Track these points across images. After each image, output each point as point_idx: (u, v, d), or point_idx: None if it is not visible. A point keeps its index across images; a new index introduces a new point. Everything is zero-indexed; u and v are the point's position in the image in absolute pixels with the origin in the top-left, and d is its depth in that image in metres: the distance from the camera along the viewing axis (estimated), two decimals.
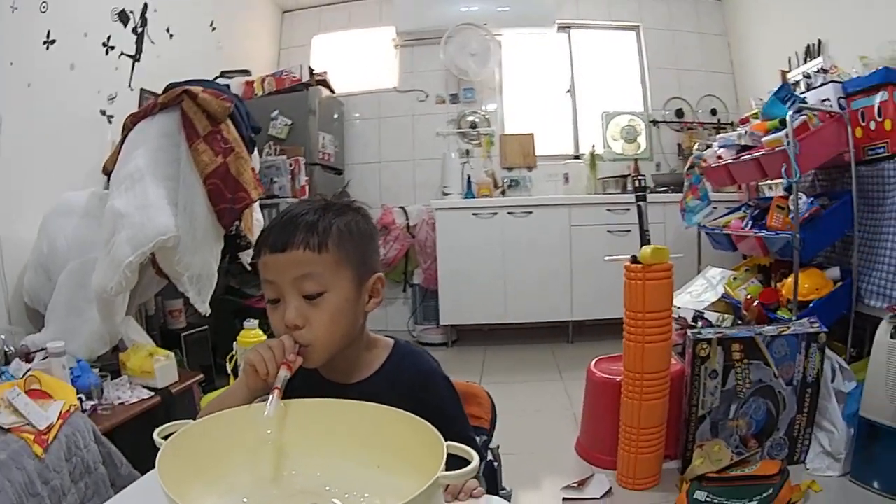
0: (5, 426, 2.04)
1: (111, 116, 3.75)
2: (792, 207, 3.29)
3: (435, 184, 6.08)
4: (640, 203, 3.38)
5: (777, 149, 3.39)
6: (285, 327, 1.21)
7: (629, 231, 5.13)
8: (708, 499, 2.46)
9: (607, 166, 6.11)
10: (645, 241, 3.02)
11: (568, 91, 6.46)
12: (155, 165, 2.98)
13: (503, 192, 6.09)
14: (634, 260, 2.72)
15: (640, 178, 3.74)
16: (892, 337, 2.67)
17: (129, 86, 3.86)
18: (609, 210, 5.39)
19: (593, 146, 6.17)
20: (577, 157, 6.25)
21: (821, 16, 4.81)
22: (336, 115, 5.84)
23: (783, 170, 3.23)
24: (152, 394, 2.83)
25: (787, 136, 3.25)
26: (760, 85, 5.09)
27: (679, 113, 6.31)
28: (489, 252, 5.42)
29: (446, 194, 5.85)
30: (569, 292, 5.33)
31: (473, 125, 6.31)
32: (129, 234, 2.76)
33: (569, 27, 6.47)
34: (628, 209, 5.26)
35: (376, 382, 1.33)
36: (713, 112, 6.31)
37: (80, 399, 2.43)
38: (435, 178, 6.12)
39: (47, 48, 3.32)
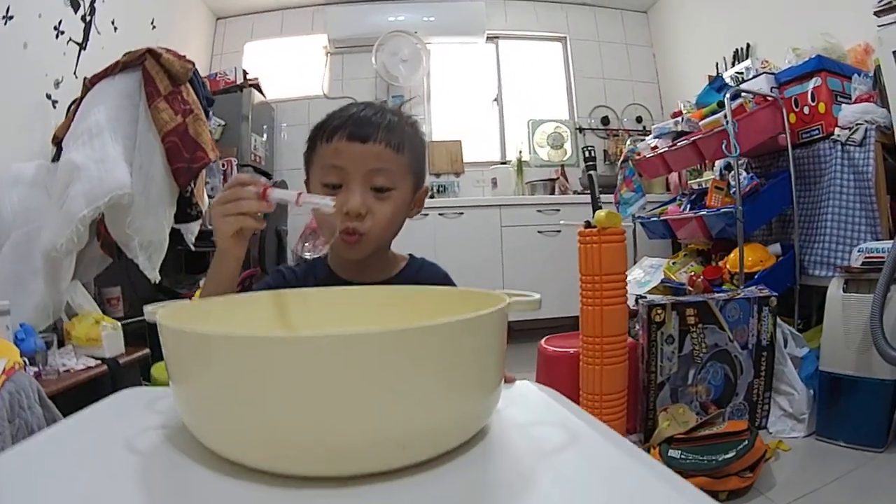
0: None
1: (55, 102, 3.65)
2: (733, 183, 3.41)
3: None
4: (591, 172, 3.41)
5: (716, 130, 3.49)
6: (344, 214, 1.21)
7: (559, 231, 5.18)
8: (682, 456, 2.45)
9: (534, 172, 6.16)
10: (597, 208, 3.03)
11: (495, 99, 6.51)
12: (115, 122, 2.94)
13: (431, 198, 6.00)
14: (588, 225, 2.71)
15: (588, 148, 3.75)
16: (844, 291, 2.79)
17: (75, 73, 3.75)
18: (539, 211, 5.39)
19: (520, 152, 6.21)
20: (504, 164, 6.29)
21: (749, 21, 4.97)
22: (267, 120, 5.79)
23: (724, 147, 3.33)
24: (99, 362, 2.74)
25: (725, 116, 3.37)
26: (687, 91, 5.19)
27: (605, 120, 6.41)
28: (422, 253, 5.24)
29: None
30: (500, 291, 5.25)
31: None
32: (85, 187, 2.70)
33: (497, 37, 6.53)
34: (558, 210, 5.34)
35: (399, 282, 1.39)
36: (638, 119, 6.43)
37: (24, 362, 2.30)
38: None
39: (5, 23, 3.24)
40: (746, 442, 2.38)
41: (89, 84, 3.14)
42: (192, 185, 3.27)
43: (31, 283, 2.79)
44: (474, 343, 0.69)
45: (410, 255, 1.52)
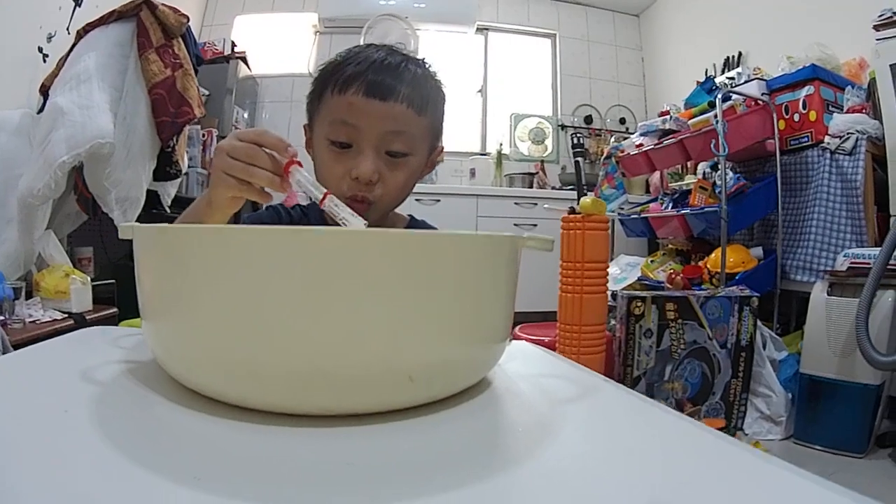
0: None
1: (46, 55, 3.57)
2: (719, 182, 3.38)
3: None
4: (578, 159, 3.38)
5: (704, 129, 3.48)
6: (352, 179, 1.09)
7: (535, 226, 5.15)
8: None
9: (513, 166, 6.12)
10: (582, 194, 2.98)
11: (479, 91, 6.48)
12: (104, 70, 2.88)
13: None
14: (573, 211, 2.67)
15: (577, 134, 3.72)
16: (828, 294, 2.78)
17: (67, 29, 3.68)
18: (517, 204, 5.34)
19: (500, 145, 6.18)
20: (483, 155, 6.26)
21: (742, 31, 4.98)
22: (251, 95, 5.74)
23: (712, 146, 3.30)
24: (66, 316, 2.66)
25: (715, 116, 3.36)
26: (673, 96, 5.19)
27: (588, 119, 6.39)
28: None
29: None
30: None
31: None
32: (68, 132, 2.64)
33: (487, 29, 6.49)
34: (535, 204, 5.29)
35: None
36: (622, 121, 6.42)
37: None
38: None
39: None
40: None
41: (82, 32, 3.07)
42: (175, 140, 3.22)
43: (4, 232, 2.73)
44: (488, 267, 0.63)
45: (411, 215, 1.41)
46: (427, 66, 1.22)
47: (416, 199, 5.20)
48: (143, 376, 0.68)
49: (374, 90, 1.08)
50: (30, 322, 2.51)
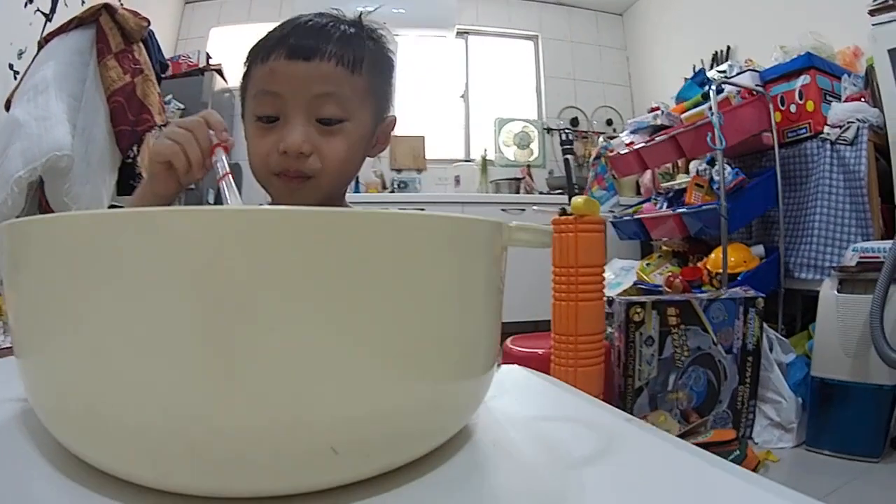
0: None
1: (17, 72, 3.51)
2: (717, 178, 3.28)
3: None
4: (567, 157, 3.27)
5: (699, 123, 3.38)
6: (281, 154, 0.96)
7: None
8: None
9: (499, 171, 6.06)
10: (573, 195, 2.85)
11: (462, 96, 6.40)
12: (62, 79, 2.78)
13: (392, 192, 5.93)
14: (564, 212, 2.52)
15: (566, 131, 3.60)
16: (839, 291, 2.65)
17: (39, 42, 3.61)
18: (504, 210, 5.20)
19: (485, 150, 6.11)
20: (468, 161, 6.19)
21: (729, 25, 4.93)
22: (228, 108, 5.58)
23: (708, 139, 3.20)
24: None
25: (710, 108, 3.25)
26: (660, 95, 5.14)
27: (574, 122, 6.30)
28: None
29: None
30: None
31: None
32: (24, 145, 2.54)
33: (467, 33, 6.42)
34: (523, 210, 5.15)
35: None
36: (609, 122, 6.34)
37: None
38: None
39: None
40: (738, 452, 2.25)
41: (43, 42, 3.00)
42: (136, 150, 3.11)
43: None
44: (456, 267, 0.44)
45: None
46: (366, 25, 1.11)
47: (401, 209, 5.10)
48: (33, 421, 0.52)
49: (297, 50, 0.97)
50: None
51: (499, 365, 0.77)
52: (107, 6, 2.90)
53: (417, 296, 0.40)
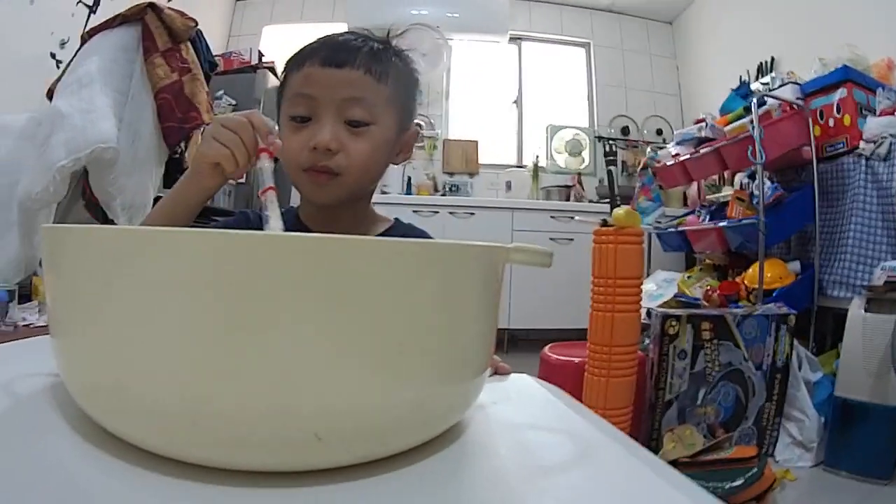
0: None
1: (60, 62, 3.62)
2: (757, 192, 3.29)
3: None
4: (611, 168, 3.31)
5: (741, 136, 3.40)
6: (311, 150, 1.05)
7: (572, 240, 5.06)
8: None
9: (550, 178, 6.07)
10: (615, 206, 2.90)
11: (515, 102, 6.42)
12: (107, 74, 2.84)
13: (443, 196, 5.96)
14: (605, 223, 2.57)
15: (610, 142, 3.64)
16: (865, 311, 2.64)
17: (81, 35, 3.70)
18: (553, 217, 5.25)
19: (537, 157, 6.13)
20: (520, 167, 6.21)
21: (773, 35, 4.90)
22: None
23: (749, 153, 3.21)
24: None
25: (751, 121, 3.27)
26: (709, 105, 5.10)
27: (625, 131, 6.30)
28: None
29: (385, 193, 5.62)
30: (507, 299, 5.05)
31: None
32: (68, 136, 2.60)
33: (520, 38, 6.45)
34: (572, 217, 5.15)
35: None
36: (659, 132, 6.32)
37: None
38: None
39: None
40: (755, 470, 2.24)
41: (86, 36, 3.06)
42: (183, 146, 3.19)
43: (6, 236, 2.72)
44: (445, 285, 0.51)
45: (396, 218, 1.34)
46: (393, 44, 1.20)
47: (450, 213, 5.19)
48: (59, 393, 0.61)
49: (330, 59, 1.08)
50: (23, 325, 2.46)
51: (490, 374, 0.83)
52: (152, 5, 2.96)
53: (400, 311, 0.47)
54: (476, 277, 0.55)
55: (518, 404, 0.77)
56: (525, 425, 0.68)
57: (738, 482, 2.19)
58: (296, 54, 1.14)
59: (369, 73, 1.09)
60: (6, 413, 0.56)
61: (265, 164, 0.91)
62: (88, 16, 3.87)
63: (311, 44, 1.14)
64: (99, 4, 3.95)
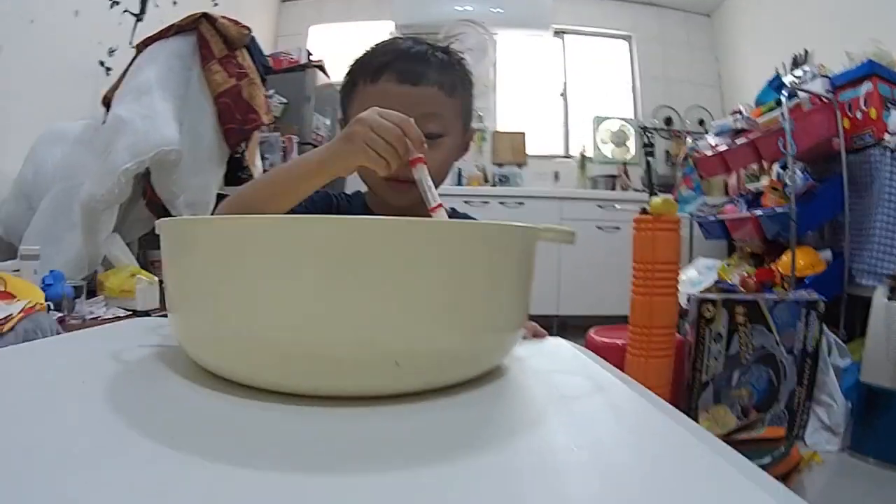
0: None
1: (109, 69, 3.73)
2: (789, 182, 3.36)
3: None
4: (648, 158, 3.40)
5: (773, 128, 3.50)
6: None
7: (618, 228, 5.15)
8: None
9: (596, 168, 6.16)
10: (653, 195, 3.00)
11: (561, 94, 6.50)
12: (164, 81, 2.95)
13: (494, 187, 6.07)
14: (644, 211, 2.69)
15: (647, 134, 3.74)
16: (889, 299, 2.73)
17: (130, 43, 3.79)
18: (600, 206, 5.32)
19: (583, 147, 6.22)
20: (567, 158, 6.30)
21: (807, 27, 4.94)
22: (331, 102, 5.77)
23: (780, 145, 3.31)
24: (130, 313, 2.65)
25: (782, 114, 3.37)
26: (748, 96, 5.13)
27: (668, 121, 6.35)
28: None
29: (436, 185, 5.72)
30: (556, 287, 5.20)
31: None
32: (130, 140, 2.72)
33: (563, 32, 6.52)
34: (616, 206, 5.26)
35: None
36: (700, 122, 6.33)
37: (48, 306, 2.21)
38: None
39: None
40: (783, 449, 2.34)
41: (141, 47, 3.17)
42: (244, 147, 3.29)
43: (68, 236, 2.81)
44: (492, 257, 0.65)
45: (453, 208, 1.39)
46: (452, 52, 1.27)
47: (500, 203, 5.31)
48: (166, 357, 0.75)
49: (406, 76, 1.15)
50: (90, 318, 2.52)
51: (524, 336, 0.97)
52: (206, 15, 3.06)
53: (453, 275, 0.60)
54: (513, 251, 0.70)
55: (549, 358, 0.90)
56: (553, 371, 0.82)
57: (766, 460, 2.30)
58: (364, 60, 1.21)
59: (442, 89, 1.17)
60: (125, 371, 0.70)
61: (423, 175, 0.97)
62: (135, 24, 3.99)
63: (381, 53, 1.20)
64: (145, 11, 4.07)
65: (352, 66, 1.25)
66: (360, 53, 1.26)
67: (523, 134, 6.34)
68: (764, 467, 2.20)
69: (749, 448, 2.42)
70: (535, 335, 1.03)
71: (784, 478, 2.33)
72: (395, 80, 1.15)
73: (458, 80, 1.23)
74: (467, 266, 0.62)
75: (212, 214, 1.15)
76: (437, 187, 1.14)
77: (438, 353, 0.61)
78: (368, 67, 1.19)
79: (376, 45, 1.25)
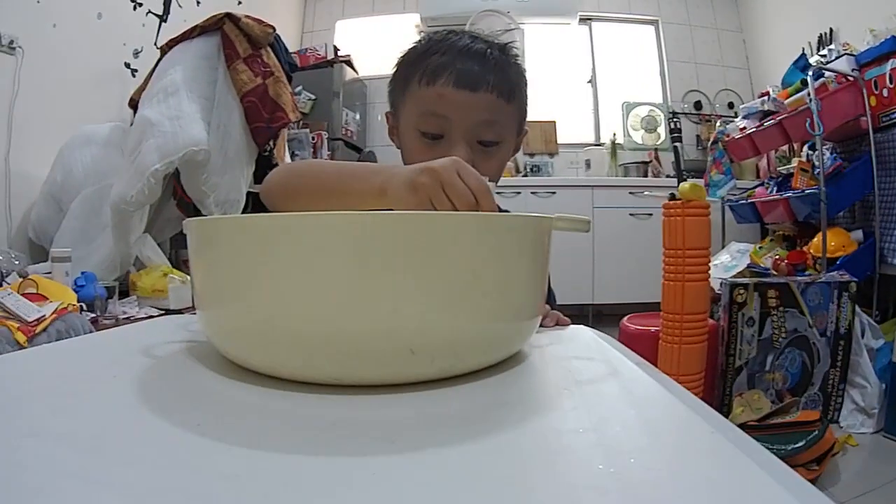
0: None
1: (135, 70, 3.80)
2: (817, 163, 3.35)
3: None
4: (676, 144, 3.41)
5: (800, 108, 3.46)
6: None
7: (651, 215, 5.13)
8: None
9: (627, 155, 6.15)
10: (682, 180, 3.00)
11: (589, 81, 6.49)
12: (191, 82, 2.99)
13: (524, 176, 6.09)
14: (673, 197, 2.69)
15: (675, 119, 3.74)
16: None
17: (155, 44, 3.86)
18: (632, 193, 5.31)
19: (614, 134, 6.21)
20: (598, 145, 6.28)
21: (832, 5, 4.91)
22: (359, 97, 5.87)
23: (807, 125, 3.27)
24: (162, 312, 2.65)
25: (808, 94, 3.35)
26: (776, 77, 5.10)
27: (697, 105, 6.34)
28: None
29: None
30: (590, 276, 5.22)
31: None
32: (159, 142, 2.75)
33: (590, 19, 6.51)
34: (648, 192, 5.23)
35: None
36: (730, 105, 6.32)
37: (80, 307, 2.26)
38: None
39: None
40: (816, 432, 2.32)
41: (166, 48, 3.22)
42: (272, 144, 3.32)
43: (98, 238, 2.87)
44: (502, 247, 0.66)
45: None
46: (508, 50, 1.23)
47: (532, 192, 5.32)
48: (195, 352, 0.78)
49: (464, 81, 1.11)
50: (123, 318, 2.55)
51: (557, 324, 1.01)
52: (229, 15, 3.09)
53: (469, 265, 0.62)
54: (526, 241, 0.71)
55: (569, 344, 0.90)
56: (571, 357, 0.83)
57: (800, 444, 2.28)
58: (421, 61, 1.16)
59: (501, 97, 1.14)
60: (155, 365, 0.72)
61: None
62: (159, 25, 4.05)
63: (435, 51, 1.16)
64: (169, 13, 4.13)
65: (403, 60, 1.23)
66: (413, 46, 1.23)
67: (554, 123, 6.35)
68: (798, 451, 2.21)
69: (783, 432, 2.41)
70: (558, 323, 1.02)
71: (818, 461, 2.31)
72: (452, 83, 1.12)
73: (514, 84, 1.19)
74: (482, 257, 0.63)
75: (261, 190, 1.15)
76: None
77: (455, 342, 0.63)
78: (424, 66, 1.15)
79: (429, 39, 1.21)
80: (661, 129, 6.33)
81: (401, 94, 1.22)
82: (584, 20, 6.47)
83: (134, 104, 3.29)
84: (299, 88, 4.97)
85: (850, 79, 3.40)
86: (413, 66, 1.18)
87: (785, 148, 4.51)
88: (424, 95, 1.14)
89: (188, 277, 2.84)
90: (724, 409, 2.78)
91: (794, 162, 4.26)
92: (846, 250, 3.34)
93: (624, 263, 5.06)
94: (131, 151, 2.81)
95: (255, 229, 0.63)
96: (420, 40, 1.23)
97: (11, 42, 2.99)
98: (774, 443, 2.36)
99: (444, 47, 1.16)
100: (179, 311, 2.67)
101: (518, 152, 1.35)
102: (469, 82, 1.11)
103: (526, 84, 1.25)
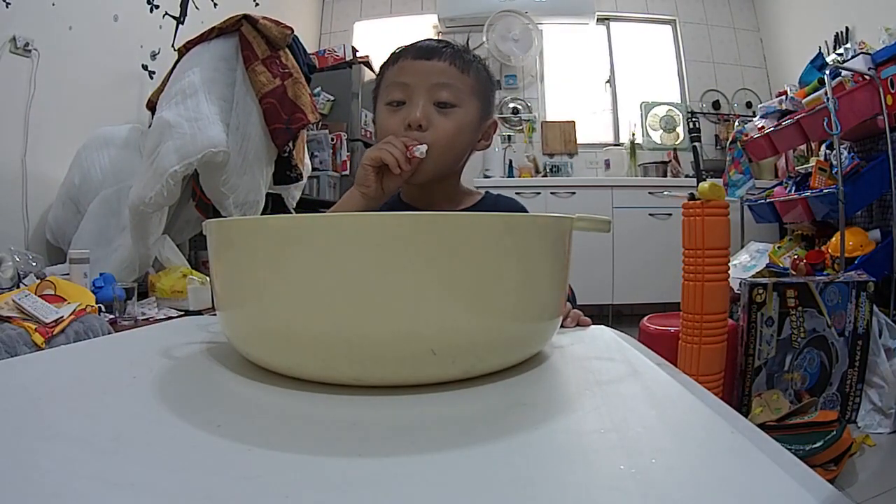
0: (4, 315, 1.89)
1: (153, 72, 3.82)
2: (835, 163, 3.32)
3: (477, 168, 5.89)
4: (695, 144, 3.39)
5: (817, 107, 3.45)
6: (406, 127, 1.21)
7: (670, 215, 5.11)
8: None
9: (646, 155, 6.13)
10: (701, 180, 2.99)
11: (608, 81, 6.46)
12: (210, 83, 3.00)
13: (544, 177, 6.08)
14: (692, 197, 2.68)
15: (693, 119, 3.73)
16: None
17: (173, 46, 3.90)
18: (651, 193, 5.30)
19: (633, 134, 6.19)
20: (617, 146, 6.26)
21: (848, 4, 4.86)
22: None
23: (825, 124, 3.26)
24: (181, 313, 2.67)
25: (825, 93, 3.32)
26: (794, 76, 5.08)
27: (716, 105, 6.31)
28: None
29: (488, 177, 5.76)
30: (610, 276, 5.20)
31: (515, 111, 6.33)
32: (177, 143, 2.76)
33: (608, 19, 6.49)
34: (667, 192, 5.23)
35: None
36: (748, 105, 6.29)
37: (99, 308, 2.27)
38: (476, 163, 5.95)
39: None
40: (834, 432, 2.30)
41: (183, 50, 3.22)
42: (291, 146, 3.32)
43: (117, 239, 2.89)
44: (522, 248, 0.66)
45: (487, 191, 1.48)
46: (473, 52, 1.34)
47: (552, 193, 5.32)
48: (214, 353, 0.79)
49: (421, 53, 1.25)
50: (142, 319, 2.58)
51: (578, 325, 1.03)
52: (247, 17, 3.09)
53: (487, 266, 0.62)
54: (546, 242, 0.71)
55: (590, 345, 0.91)
56: (592, 357, 0.83)
57: (818, 444, 2.26)
58: (390, 55, 1.32)
59: (454, 65, 1.24)
60: (174, 365, 0.74)
61: (422, 148, 1.16)
62: (176, 27, 4.07)
63: (401, 47, 1.31)
64: (186, 15, 4.14)
65: (382, 64, 1.35)
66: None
67: (573, 123, 6.33)
68: (816, 451, 2.20)
69: (801, 432, 2.39)
70: (579, 324, 1.05)
71: (836, 461, 2.30)
72: (411, 57, 1.26)
73: (471, 64, 1.28)
74: (503, 258, 0.64)
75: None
76: (453, 163, 1.30)
77: (476, 343, 0.63)
78: (392, 56, 1.31)
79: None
80: (680, 129, 6.30)
81: (377, 87, 1.35)
82: (601, 20, 6.45)
83: (151, 106, 3.31)
84: (318, 89, 4.97)
85: (867, 77, 3.38)
86: (385, 61, 1.33)
87: (803, 147, 4.48)
88: (389, 72, 1.29)
89: (207, 279, 2.87)
90: (744, 409, 2.76)
91: (813, 161, 4.25)
92: (864, 250, 3.33)
93: (643, 263, 5.05)
94: (150, 153, 2.82)
95: (275, 231, 0.63)
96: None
97: (27, 44, 3.02)
98: (792, 443, 2.34)
99: (410, 44, 1.31)
100: (198, 312, 2.70)
101: (489, 143, 1.40)
102: (425, 53, 1.25)
103: (489, 79, 1.36)
